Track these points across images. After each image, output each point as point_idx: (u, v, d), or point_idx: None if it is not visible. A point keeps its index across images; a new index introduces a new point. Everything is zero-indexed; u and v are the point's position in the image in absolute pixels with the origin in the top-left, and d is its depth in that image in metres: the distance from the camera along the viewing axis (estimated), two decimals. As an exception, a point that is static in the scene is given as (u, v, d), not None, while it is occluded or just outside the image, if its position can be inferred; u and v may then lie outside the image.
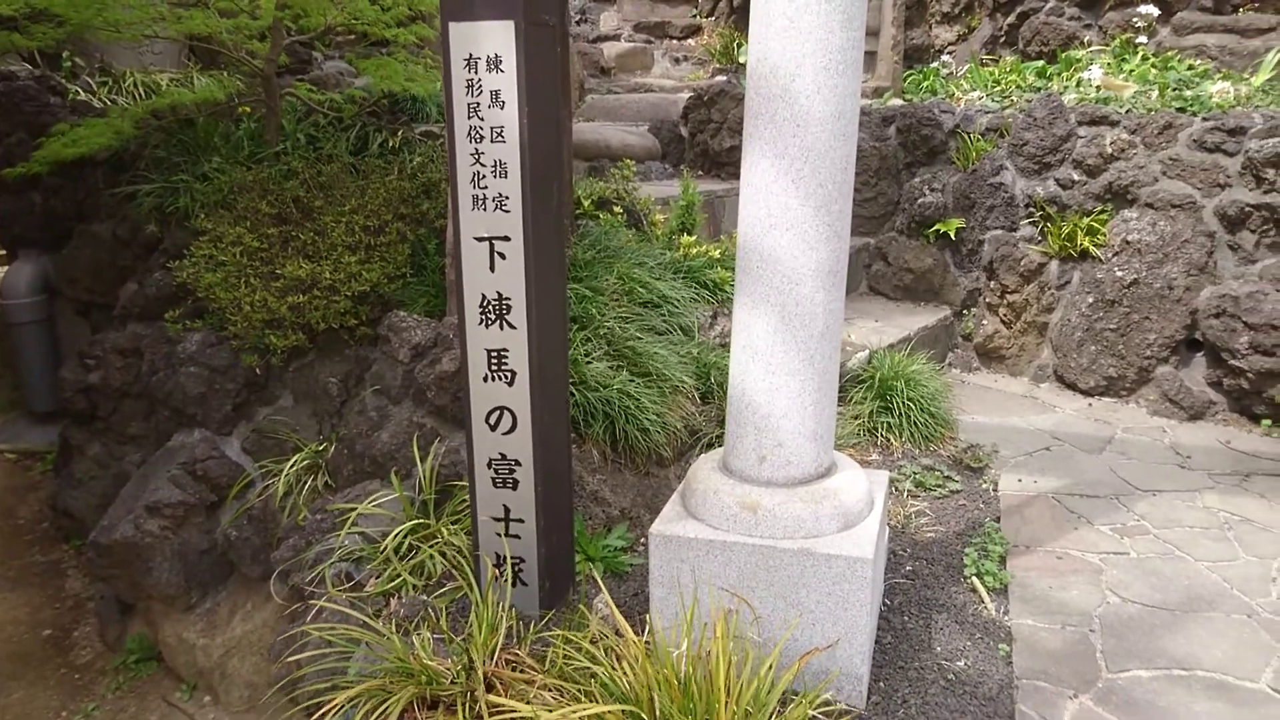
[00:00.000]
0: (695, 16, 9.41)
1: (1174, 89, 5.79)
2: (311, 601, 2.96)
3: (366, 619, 2.70)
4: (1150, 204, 4.73)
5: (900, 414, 4.24)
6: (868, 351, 4.53)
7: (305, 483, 3.74)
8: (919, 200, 5.33)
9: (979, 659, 2.70)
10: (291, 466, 3.78)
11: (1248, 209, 4.50)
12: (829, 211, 2.42)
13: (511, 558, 2.86)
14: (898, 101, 6.69)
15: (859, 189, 5.57)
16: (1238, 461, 4.11)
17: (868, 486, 2.69)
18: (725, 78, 7.22)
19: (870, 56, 7.08)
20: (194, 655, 4.09)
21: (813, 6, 2.29)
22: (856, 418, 4.22)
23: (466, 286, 2.69)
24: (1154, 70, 6.33)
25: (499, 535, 2.84)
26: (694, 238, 4.69)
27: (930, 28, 8.05)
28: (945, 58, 7.77)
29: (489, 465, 2.81)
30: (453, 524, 3.16)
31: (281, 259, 3.96)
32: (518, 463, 2.78)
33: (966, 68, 7.38)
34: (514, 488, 2.81)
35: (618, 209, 4.73)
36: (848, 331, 4.85)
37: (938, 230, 5.28)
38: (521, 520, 2.83)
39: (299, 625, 2.90)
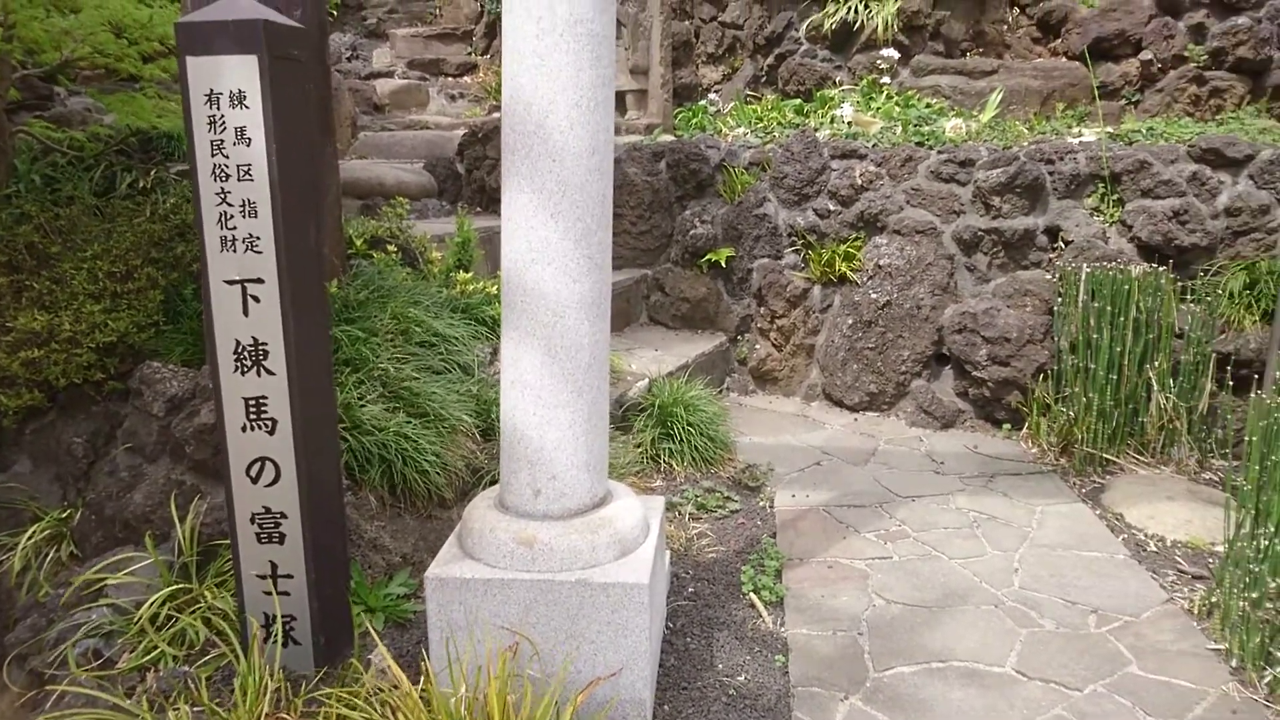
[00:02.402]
0: (470, 54, 9.42)
1: (915, 125, 6.30)
2: (52, 686, 2.69)
3: (116, 700, 2.47)
4: (898, 230, 5.11)
5: (681, 439, 4.35)
6: (648, 380, 4.64)
7: (47, 555, 3.40)
8: (691, 232, 5.53)
9: (758, 672, 2.79)
10: (30, 538, 3.44)
11: (980, 233, 4.94)
12: (589, 244, 2.47)
13: (282, 616, 2.71)
14: (669, 138, 6.93)
15: (635, 222, 5.71)
16: (983, 464, 4.48)
17: (643, 513, 2.73)
18: (500, 114, 7.25)
19: (642, 95, 7.31)
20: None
21: (562, 45, 2.34)
22: (639, 446, 4.30)
23: (219, 332, 2.54)
24: (897, 108, 6.87)
25: (267, 594, 2.69)
26: (471, 274, 4.65)
27: (698, 67, 8.41)
28: (713, 96, 8.12)
29: (252, 520, 2.66)
30: (218, 586, 2.97)
31: (13, 311, 3.62)
32: (283, 515, 2.64)
33: (732, 105, 7.76)
34: (280, 542, 2.67)
35: (392, 248, 4.64)
36: (629, 361, 4.95)
37: (710, 260, 5.49)
38: (290, 576, 2.69)
39: (38, 715, 2.62)
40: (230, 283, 2.50)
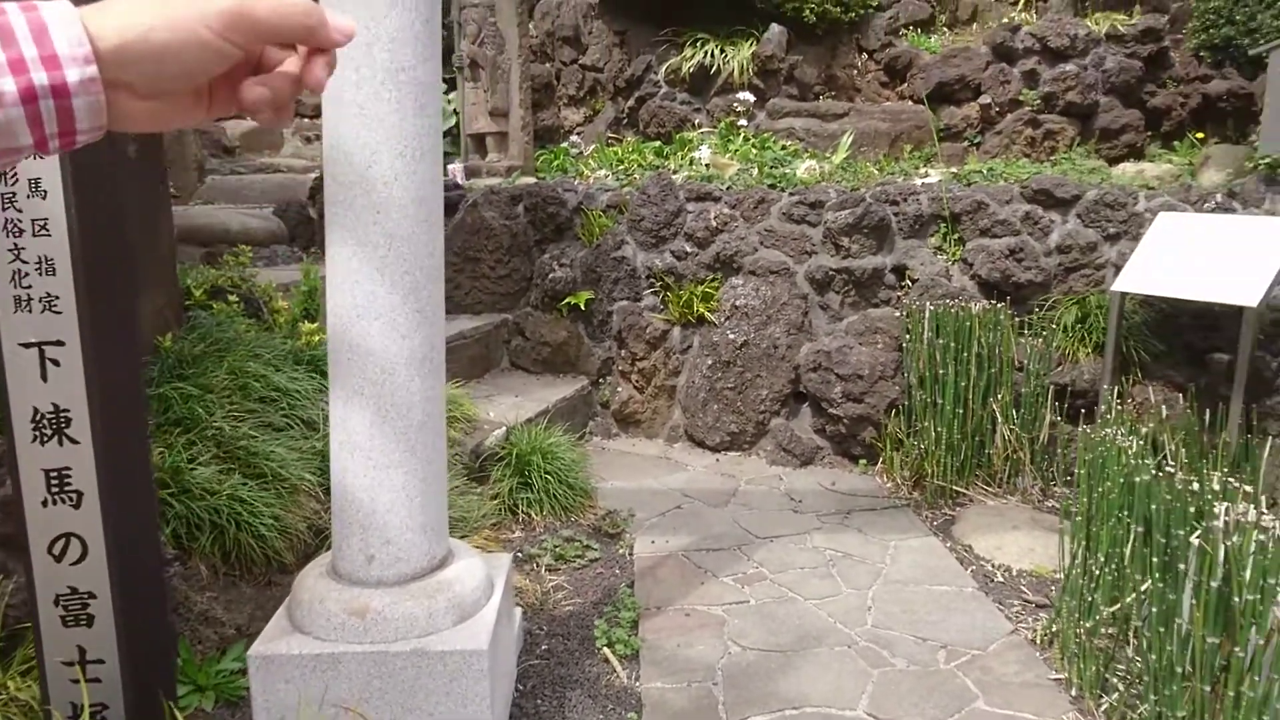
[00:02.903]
0: (328, 95, 9.18)
1: (770, 167, 6.43)
2: None
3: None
4: (753, 271, 5.18)
5: (540, 488, 4.26)
6: (505, 428, 4.54)
7: None
8: (550, 275, 5.48)
9: (610, 731, 2.71)
10: None
11: (832, 273, 5.05)
12: (419, 298, 2.38)
13: (91, 706, 2.49)
14: (530, 180, 6.89)
15: (494, 266, 5.63)
16: (840, 501, 4.54)
17: (486, 573, 2.64)
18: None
19: (502, 137, 7.25)
20: None
21: (383, 94, 2.26)
22: (496, 496, 4.19)
23: (14, 400, 2.34)
24: (754, 150, 7.01)
25: (74, 681, 2.47)
26: (318, 324, 4.48)
27: (559, 109, 8.42)
28: (574, 137, 8.14)
29: (56, 602, 2.44)
30: (23, 675, 2.72)
31: None
32: (92, 595, 2.44)
33: (593, 147, 7.79)
34: (89, 624, 2.46)
35: (234, 298, 4.43)
36: (488, 409, 4.84)
37: (570, 303, 5.45)
38: (101, 661, 2.48)
39: None
40: (26, 345, 2.31)
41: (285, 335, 4.44)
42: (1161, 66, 7.20)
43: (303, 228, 6.27)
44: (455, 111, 7.69)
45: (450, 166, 7.24)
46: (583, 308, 5.42)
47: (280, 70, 0.65)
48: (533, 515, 4.21)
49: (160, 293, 4.03)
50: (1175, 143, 7.08)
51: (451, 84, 7.76)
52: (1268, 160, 5.03)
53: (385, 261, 2.32)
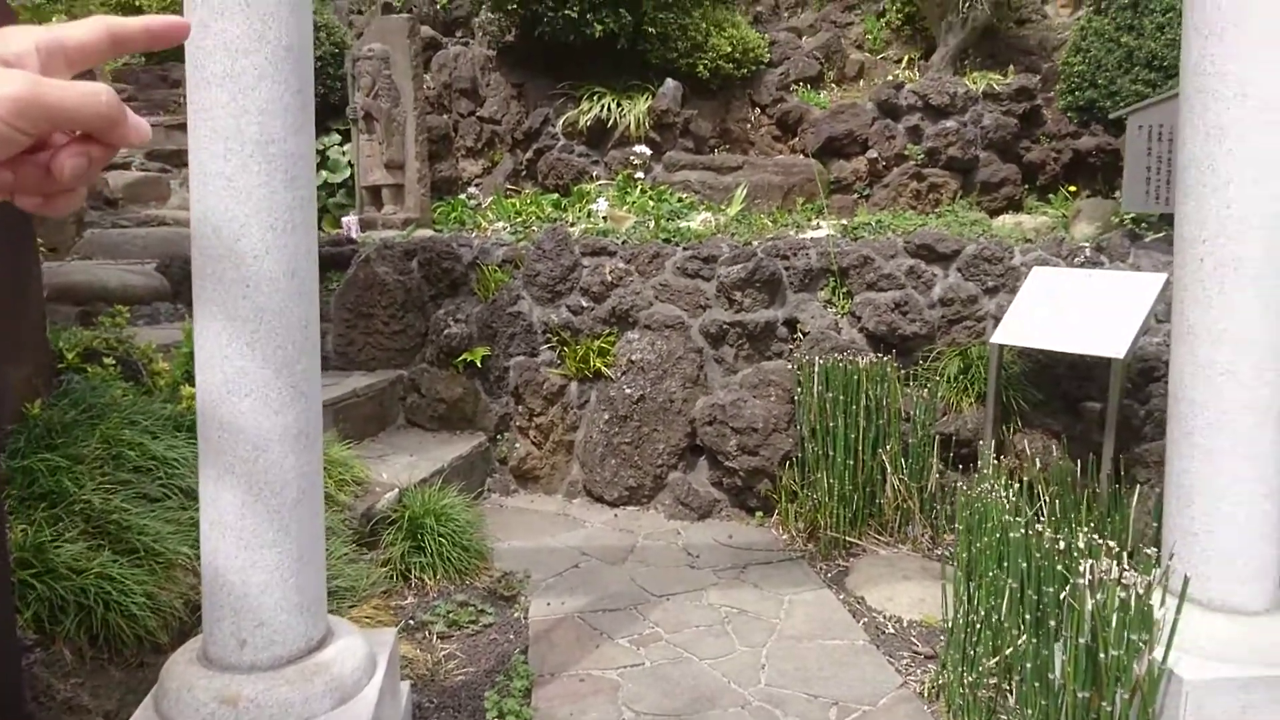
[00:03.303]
0: (219, 144, 8.98)
1: (666, 219, 6.52)
2: None
3: None
4: (649, 325, 5.21)
5: (434, 551, 4.18)
6: (398, 490, 4.45)
7: None
8: (445, 331, 5.42)
9: (499, 810, 2.65)
10: None
11: (725, 326, 5.12)
12: (292, 372, 2.33)
13: (-65, 813, 2.32)
14: (426, 232, 6.84)
15: (388, 322, 5.55)
16: (736, 555, 4.57)
17: (367, 650, 2.56)
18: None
19: (398, 189, 7.19)
20: None
21: (251, 166, 2.22)
22: (387, 562, 4.09)
23: None
24: (651, 202, 7.10)
25: (-83, 787, 2.31)
26: (200, 387, 4.33)
27: (457, 161, 8.39)
28: (472, 189, 8.12)
29: (-104, 702, 2.29)
30: None
31: None
32: (-64, 693, 2.29)
33: (491, 199, 7.78)
34: (-67, 725, 2.31)
35: (110, 360, 4.25)
36: (380, 470, 4.74)
37: (466, 359, 5.39)
38: (-54, 764, 2.33)
39: None
40: None
41: (165, 399, 4.28)
42: (1035, 123, 7.57)
43: (188, 284, 6.07)
44: (350, 164, 7.60)
45: (344, 219, 7.15)
46: (479, 364, 5.37)
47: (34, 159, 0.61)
48: (425, 580, 4.12)
49: (28, 357, 3.85)
50: (1050, 195, 7.43)
51: (346, 135, 7.68)
52: (1130, 217, 5.31)
53: (256, 336, 2.26)
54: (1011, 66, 8.00)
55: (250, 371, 2.27)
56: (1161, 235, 5.01)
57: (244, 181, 2.22)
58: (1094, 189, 7.30)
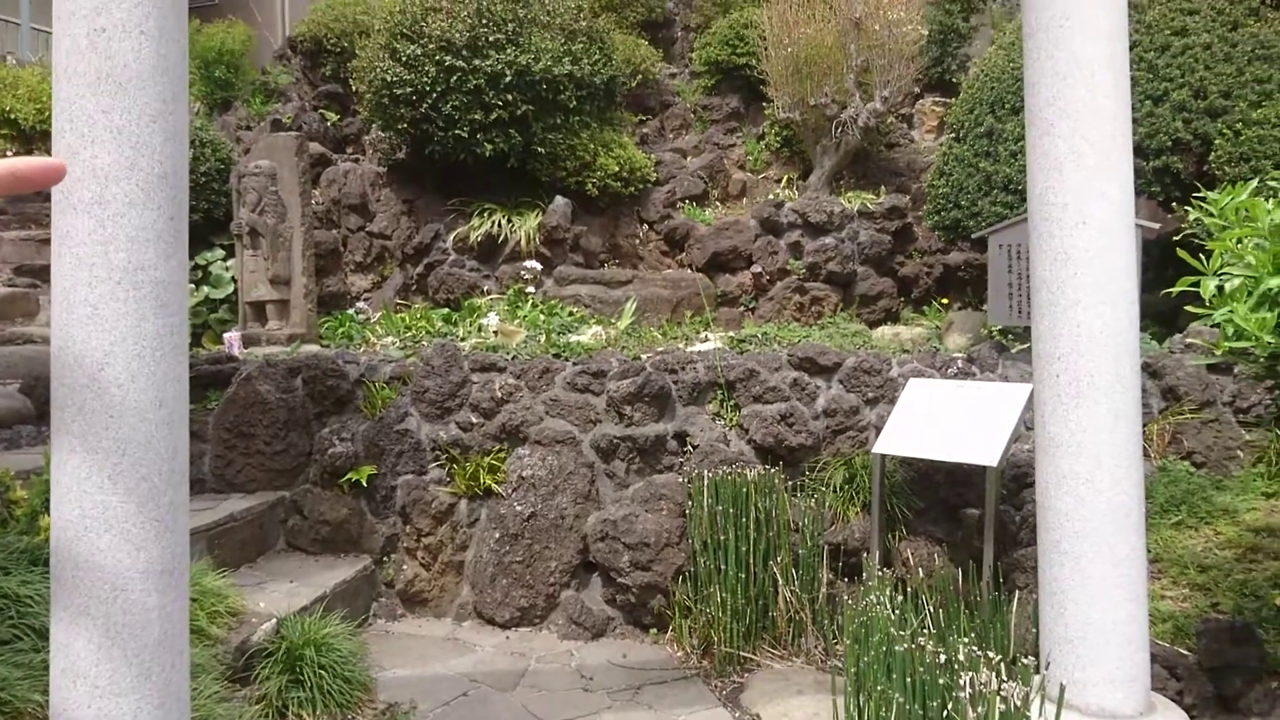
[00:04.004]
0: (96, 259, 8.72)
1: (557, 333, 6.57)
2: None
3: None
4: (539, 441, 5.19)
5: (313, 685, 3.97)
6: (275, 620, 4.24)
7: None
8: (330, 450, 5.28)
9: None
10: None
11: (616, 441, 5.13)
12: (157, 505, 2.23)
13: None
14: (313, 348, 6.72)
15: (270, 442, 5.37)
16: (630, 676, 4.48)
17: (234, 803, 2.40)
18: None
19: (284, 305, 7.07)
20: None
21: (120, 294, 2.16)
22: (262, 698, 3.87)
23: None
24: (542, 316, 7.16)
25: None
26: (62, 516, 4.09)
27: (346, 275, 8.34)
28: (361, 304, 8.06)
29: None
30: None
31: None
32: None
33: (381, 313, 7.72)
34: None
35: (-39, 489, 4.00)
36: (258, 598, 4.52)
37: (351, 479, 5.25)
38: None
39: None
40: None
41: (21, 530, 4.03)
42: (908, 239, 7.98)
43: (55, 405, 5.80)
44: (233, 279, 7.47)
45: (227, 335, 6.97)
46: (365, 483, 5.23)
47: None
48: (304, 716, 3.90)
49: None
50: (925, 307, 7.78)
51: (230, 250, 7.56)
52: (997, 329, 5.59)
53: (119, 469, 2.16)
54: (883, 186, 8.46)
55: (112, 506, 2.17)
56: (1026, 347, 5.28)
57: (110, 310, 2.15)
58: (964, 300, 7.69)
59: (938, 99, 9.58)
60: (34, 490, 4.22)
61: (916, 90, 9.29)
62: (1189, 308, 3.02)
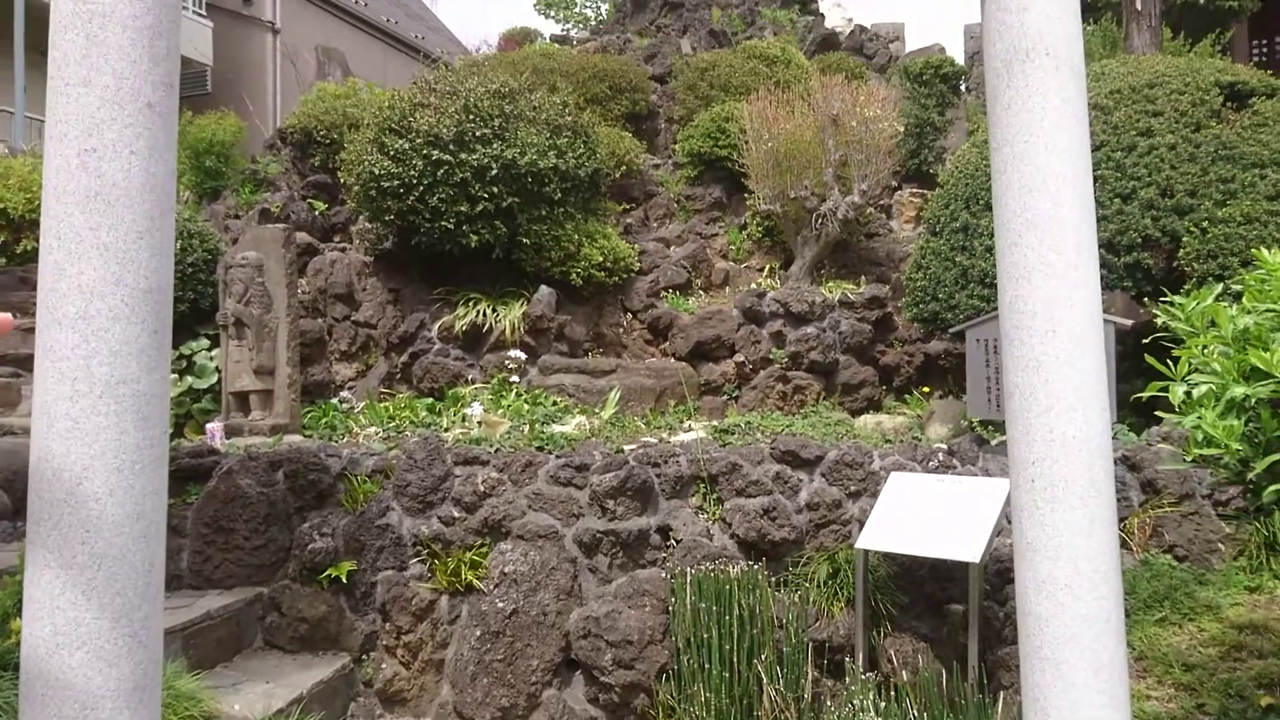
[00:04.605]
0: (80, 347, 8.71)
1: (541, 423, 6.58)
2: None
3: None
4: (522, 535, 5.16)
5: (286, 793, 3.88)
6: (250, 725, 4.16)
7: None
8: (310, 546, 5.23)
9: None
10: None
11: (599, 535, 5.11)
12: (131, 621, 2.21)
13: None
14: (296, 439, 6.71)
15: (249, 537, 5.32)
16: (613, 780, 4.39)
17: None
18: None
19: (267, 395, 7.07)
20: None
21: (101, 408, 2.18)
22: (234, 809, 3.77)
23: None
24: (526, 406, 7.17)
25: None
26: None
27: (331, 364, 8.35)
28: (345, 393, 8.06)
29: None
30: None
31: None
32: None
33: (365, 403, 7.72)
34: None
35: (-68, 591, 3.94)
36: (233, 700, 4.43)
37: (331, 575, 5.19)
38: None
39: None
40: None
41: (-9, 634, 3.96)
42: (888, 329, 8.09)
43: (32, 499, 5.74)
44: (217, 369, 7.47)
45: (209, 426, 6.95)
46: (344, 580, 5.17)
47: None
48: (276, 827, 3.80)
49: None
50: (907, 396, 7.84)
51: (215, 340, 7.58)
52: (980, 422, 5.64)
53: (93, 584, 2.15)
54: (863, 276, 8.60)
55: (85, 622, 2.15)
56: (1005, 439, 5.32)
57: (92, 423, 2.17)
58: (945, 389, 7.76)
59: (915, 190, 9.81)
60: (6, 591, 4.16)
61: (894, 183, 9.51)
62: (1159, 413, 3.07)
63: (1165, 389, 2.93)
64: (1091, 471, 2.73)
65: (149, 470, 2.26)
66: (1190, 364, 2.89)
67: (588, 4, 21.16)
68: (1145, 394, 2.96)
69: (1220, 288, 3.17)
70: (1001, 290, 2.89)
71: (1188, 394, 2.83)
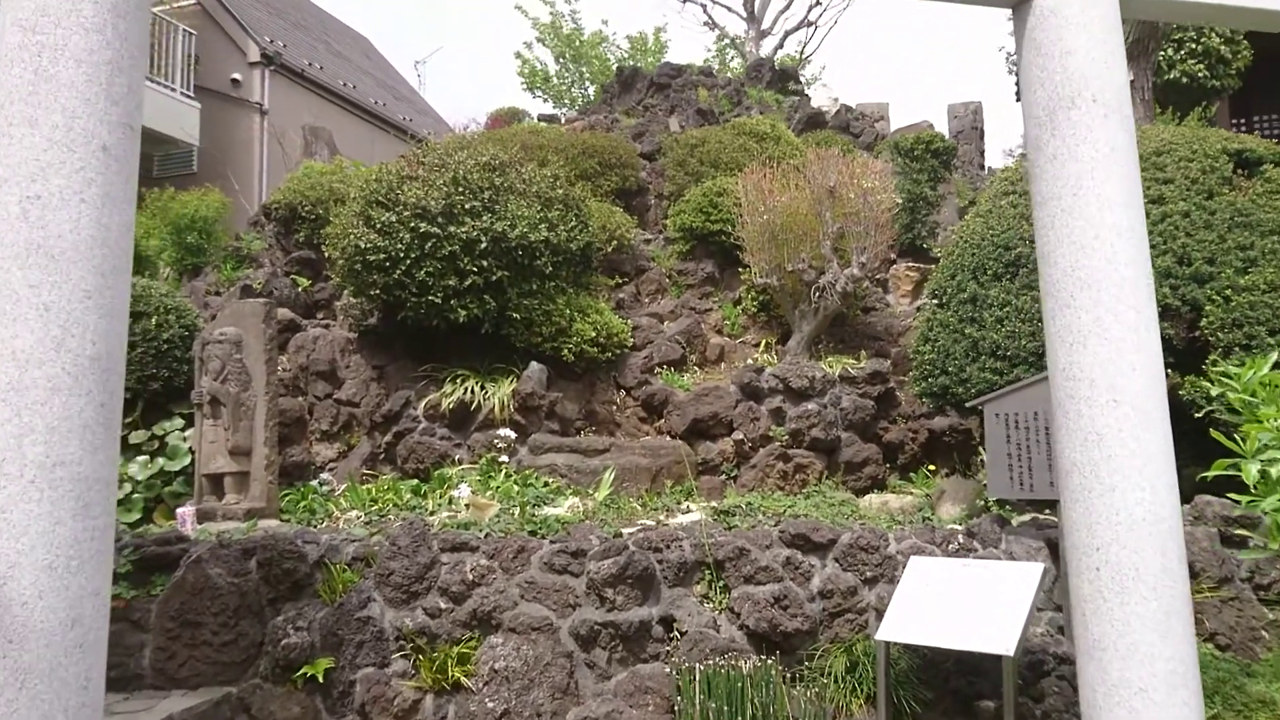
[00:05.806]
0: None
1: (532, 505, 6.23)
2: None
3: None
4: (513, 628, 4.78)
5: None
6: None
7: None
8: (284, 641, 4.83)
9: None
10: None
11: (597, 627, 4.74)
12: (60, 749, 1.85)
13: None
14: (273, 523, 6.34)
15: (218, 632, 4.92)
16: None
17: None
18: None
19: (243, 477, 6.71)
20: None
21: (32, 494, 1.87)
22: None
23: None
24: (516, 487, 6.82)
25: None
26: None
27: (311, 444, 7.99)
28: (325, 475, 7.69)
29: None
30: None
31: None
32: None
33: (346, 485, 7.35)
34: None
35: None
36: (193, 818, 3.99)
37: (306, 673, 4.78)
38: None
39: None
40: None
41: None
42: (891, 404, 7.82)
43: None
44: (190, 450, 7.11)
45: (180, 511, 6.57)
46: (321, 678, 4.76)
47: None
48: None
49: None
50: (912, 474, 7.54)
51: (189, 420, 7.23)
52: (996, 501, 5.34)
53: (14, 707, 1.80)
54: (862, 350, 8.37)
55: (2, 751, 1.80)
56: (1028, 519, 5.03)
57: (20, 513, 1.85)
58: (952, 467, 7.47)
59: (911, 264, 9.67)
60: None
61: (891, 256, 9.37)
62: (1231, 495, 2.78)
63: (1233, 466, 2.65)
64: (1165, 558, 2.43)
65: (88, 567, 1.94)
66: (1260, 440, 2.61)
67: (571, 88, 21.41)
68: (1210, 473, 2.68)
69: (1276, 355, 2.91)
70: (1052, 357, 2.62)
71: (1262, 473, 2.55)
